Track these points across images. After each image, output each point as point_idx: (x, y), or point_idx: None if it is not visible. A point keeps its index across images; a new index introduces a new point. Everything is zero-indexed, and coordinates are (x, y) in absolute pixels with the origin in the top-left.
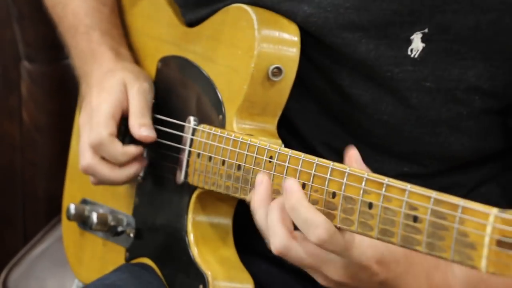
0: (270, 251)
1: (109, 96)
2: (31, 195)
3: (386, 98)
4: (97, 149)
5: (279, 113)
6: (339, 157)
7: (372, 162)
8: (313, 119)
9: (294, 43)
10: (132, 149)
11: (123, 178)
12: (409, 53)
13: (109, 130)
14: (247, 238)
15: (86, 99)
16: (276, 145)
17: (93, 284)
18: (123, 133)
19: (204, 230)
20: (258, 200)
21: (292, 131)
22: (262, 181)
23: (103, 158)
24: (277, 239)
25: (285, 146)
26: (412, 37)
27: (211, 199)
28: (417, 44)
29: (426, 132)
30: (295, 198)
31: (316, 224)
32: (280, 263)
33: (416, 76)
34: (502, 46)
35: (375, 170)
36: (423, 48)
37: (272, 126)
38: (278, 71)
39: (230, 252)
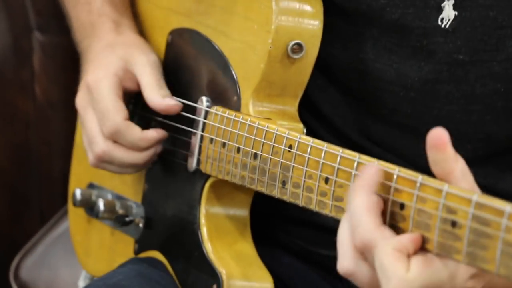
0: (294, 244)
1: (107, 72)
2: (47, 175)
3: (412, 73)
4: (114, 137)
5: (300, 93)
6: (367, 140)
7: (399, 145)
8: (334, 100)
9: (316, 15)
10: (152, 134)
11: (142, 160)
12: (439, 22)
13: (122, 115)
14: (269, 229)
15: (83, 77)
16: (297, 129)
17: (95, 285)
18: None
19: (219, 223)
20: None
21: (315, 113)
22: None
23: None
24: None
25: (308, 130)
26: (443, 4)
27: (227, 188)
28: (448, 12)
29: (458, 109)
30: None
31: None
32: (305, 257)
33: (447, 48)
34: None
35: (402, 155)
36: (455, 17)
37: (293, 108)
38: (298, 48)
39: (247, 247)
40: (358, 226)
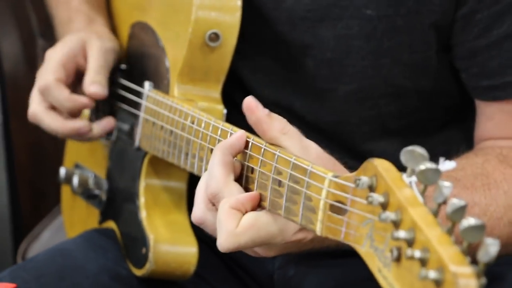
0: None
1: (63, 46)
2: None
3: (327, 33)
4: (44, 94)
5: (222, 78)
6: (289, 116)
7: (324, 112)
8: (263, 81)
9: (234, 8)
10: (80, 97)
11: (65, 130)
12: None
13: (56, 75)
14: None
15: None
16: (216, 110)
17: (48, 250)
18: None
19: (156, 194)
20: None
21: (246, 93)
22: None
23: (52, 108)
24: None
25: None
26: None
27: (164, 164)
28: None
29: (369, 64)
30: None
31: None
32: None
33: (357, 3)
34: None
35: (327, 121)
36: None
37: (216, 92)
38: (215, 37)
39: (180, 217)
40: (211, 178)
